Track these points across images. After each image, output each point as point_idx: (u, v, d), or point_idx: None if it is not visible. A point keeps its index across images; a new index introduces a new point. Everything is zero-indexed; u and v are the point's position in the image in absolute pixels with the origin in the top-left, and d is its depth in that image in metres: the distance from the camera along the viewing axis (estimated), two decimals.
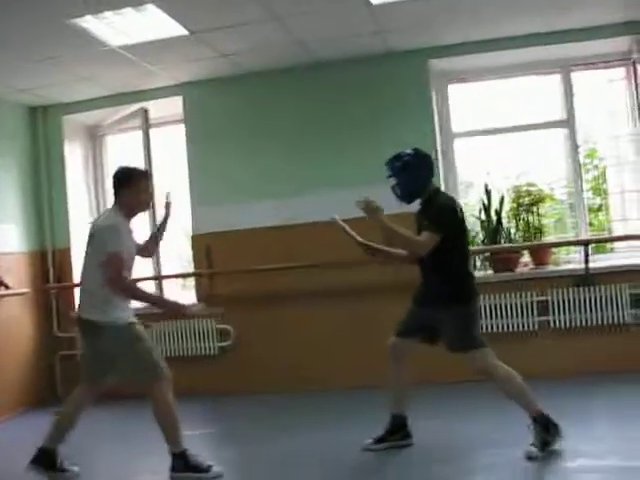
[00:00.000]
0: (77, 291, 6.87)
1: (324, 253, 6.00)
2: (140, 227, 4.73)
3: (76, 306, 4.37)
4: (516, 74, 6.55)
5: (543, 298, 5.87)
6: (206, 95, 6.56)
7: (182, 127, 6.71)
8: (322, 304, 6.18)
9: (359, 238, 4.31)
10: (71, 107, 6.89)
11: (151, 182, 4.44)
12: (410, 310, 4.29)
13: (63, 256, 6.93)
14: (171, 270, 7.26)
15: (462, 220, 4.22)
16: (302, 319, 6.25)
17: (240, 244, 6.16)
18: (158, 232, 4.57)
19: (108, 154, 7.35)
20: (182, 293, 7.54)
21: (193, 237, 6.66)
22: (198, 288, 6.67)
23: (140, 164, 6.57)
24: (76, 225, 7.00)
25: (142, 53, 5.64)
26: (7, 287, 6.29)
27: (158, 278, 6.73)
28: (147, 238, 4.58)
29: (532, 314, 5.87)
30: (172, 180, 7.41)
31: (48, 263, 6.93)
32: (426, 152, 4.34)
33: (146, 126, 6.57)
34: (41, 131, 6.97)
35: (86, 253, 4.21)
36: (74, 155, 7.11)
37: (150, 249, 4.56)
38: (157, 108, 6.67)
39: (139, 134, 6.64)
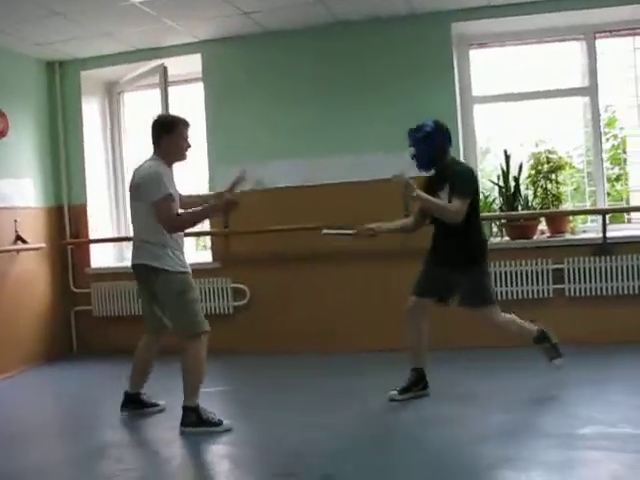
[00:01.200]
0: (120, 245, 7.06)
1: (340, 214, 6.00)
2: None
3: (130, 256, 4.44)
4: (539, 40, 6.46)
5: (559, 266, 5.87)
6: (225, 53, 6.50)
7: (200, 85, 6.66)
8: (337, 265, 6.22)
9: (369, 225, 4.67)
10: (89, 63, 6.85)
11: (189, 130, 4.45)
12: (426, 270, 4.59)
13: (79, 212, 6.95)
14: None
15: (478, 186, 4.62)
16: (317, 280, 6.28)
17: (257, 204, 6.15)
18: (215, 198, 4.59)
19: (125, 111, 7.33)
20: (197, 252, 7.59)
21: None
22: (214, 247, 6.69)
23: None
24: (92, 181, 7.02)
25: (163, 9, 5.58)
26: (24, 241, 6.33)
27: None
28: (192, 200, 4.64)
29: (548, 282, 5.87)
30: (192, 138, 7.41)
31: (64, 218, 6.96)
32: (444, 123, 4.58)
33: (165, 83, 6.52)
34: (58, 86, 6.93)
35: (132, 207, 4.33)
36: (91, 111, 7.09)
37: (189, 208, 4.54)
38: (176, 65, 6.61)
39: (157, 92, 6.59)
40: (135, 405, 4.61)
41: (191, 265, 6.45)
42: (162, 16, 5.75)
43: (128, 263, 6.94)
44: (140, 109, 7.22)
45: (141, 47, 6.58)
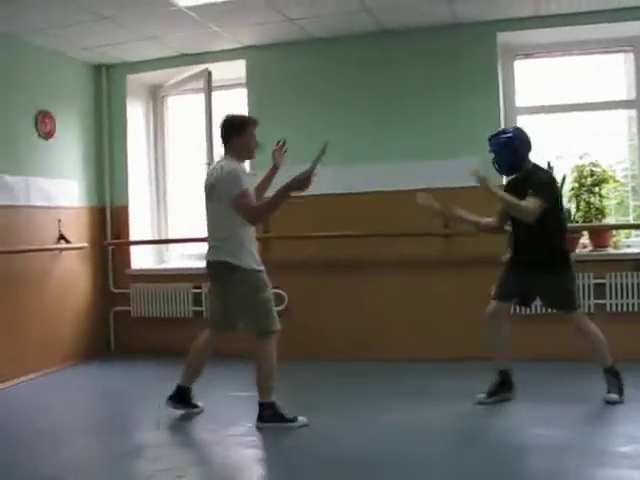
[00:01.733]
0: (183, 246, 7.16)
1: (379, 223, 6.00)
2: None
3: (205, 254, 4.51)
4: (585, 51, 6.40)
5: (601, 281, 5.79)
6: (269, 59, 6.55)
7: (244, 91, 6.71)
8: (376, 274, 6.21)
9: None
10: (135, 66, 6.95)
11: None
12: (508, 275, 4.72)
13: (121, 213, 7.05)
14: None
15: (560, 192, 4.87)
16: (356, 288, 6.28)
17: (298, 210, 6.17)
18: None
19: (169, 115, 7.41)
20: None
21: None
22: None
23: (201, 126, 6.64)
24: (135, 183, 7.11)
25: (208, 14, 5.64)
26: (67, 241, 6.43)
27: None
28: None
29: (589, 296, 5.79)
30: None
31: (107, 219, 7.06)
32: (525, 130, 4.72)
33: (209, 88, 6.58)
34: (104, 89, 7.04)
35: (208, 207, 4.41)
36: (136, 115, 7.19)
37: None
38: (220, 71, 6.67)
39: (201, 96, 6.65)
40: (181, 401, 4.64)
41: None
42: (207, 21, 5.81)
43: (168, 265, 7.21)
44: (184, 113, 7.30)
45: (186, 52, 6.66)
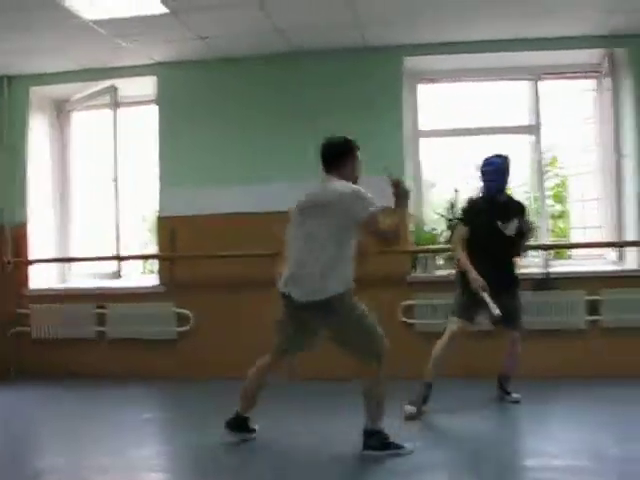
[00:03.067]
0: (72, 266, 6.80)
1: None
2: None
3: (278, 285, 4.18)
4: (487, 78, 6.64)
5: None
6: (180, 77, 6.48)
7: (153, 107, 6.62)
8: None
9: None
10: (38, 79, 6.73)
11: None
12: (474, 296, 4.82)
13: (20, 231, 6.77)
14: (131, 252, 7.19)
15: None
16: (262, 306, 6.20)
17: (206, 229, 6.13)
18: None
19: (74, 131, 7.20)
20: (142, 276, 7.47)
21: (159, 219, 6.58)
22: (160, 271, 6.60)
23: (107, 143, 6.51)
24: (37, 200, 6.87)
25: (116, 29, 5.54)
26: None
27: (119, 258, 6.63)
28: None
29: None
30: (137, 160, 7.36)
31: (5, 238, 6.76)
32: None
33: (115, 104, 6.47)
34: (6, 101, 6.78)
35: (310, 228, 4.02)
36: (38, 129, 6.95)
37: None
38: (128, 87, 6.57)
39: (108, 112, 6.53)
40: (242, 429, 4.37)
41: (135, 289, 6.53)
42: (114, 36, 5.70)
43: (70, 284, 6.97)
44: (90, 129, 7.12)
45: (93, 66, 6.49)
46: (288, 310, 4.10)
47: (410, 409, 4.72)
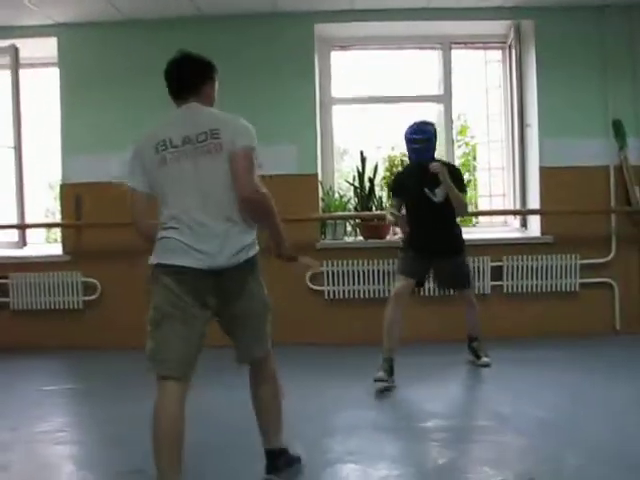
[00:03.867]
0: None
1: None
2: None
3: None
4: (399, 46, 6.68)
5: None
6: (82, 39, 6.24)
7: (56, 70, 6.37)
8: None
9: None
10: None
11: None
12: (413, 259, 4.90)
13: None
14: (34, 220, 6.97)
15: None
16: None
17: (111, 196, 5.96)
18: None
19: None
20: (47, 246, 7.27)
21: (62, 186, 6.39)
22: (64, 240, 6.43)
23: (6, 106, 6.25)
24: None
25: None
26: None
27: (22, 227, 6.42)
28: None
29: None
30: (42, 126, 7.11)
31: None
32: None
33: (16, 65, 6.20)
34: None
35: (204, 162, 2.89)
36: None
37: None
38: (30, 48, 6.29)
39: (7, 73, 6.25)
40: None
41: (40, 258, 6.35)
42: None
43: None
44: None
45: None
46: None
47: (379, 385, 4.58)
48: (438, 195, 4.85)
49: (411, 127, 4.90)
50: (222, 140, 2.90)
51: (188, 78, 3.13)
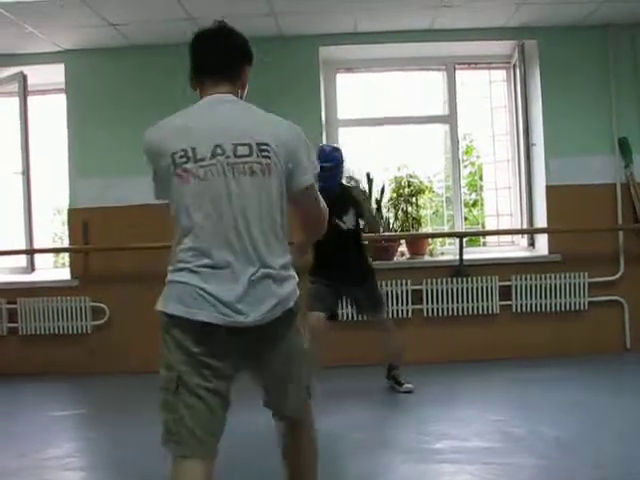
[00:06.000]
0: None
1: None
2: None
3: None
4: (403, 68, 6.72)
5: (418, 287, 6.06)
6: (89, 65, 6.29)
7: (63, 96, 6.42)
8: None
9: None
10: None
11: None
12: (325, 289, 4.81)
13: None
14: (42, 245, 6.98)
15: None
16: None
17: (119, 220, 6.00)
18: None
19: None
20: (55, 270, 7.27)
21: (70, 211, 6.41)
22: (72, 265, 6.44)
23: (15, 132, 6.29)
24: None
25: (22, 13, 5.31)
26: None
27: (30, 252, 6.43)
28: None
29: (407, 302, 6.04)
30: (48, 151, 7.14)
31: None
32: None
33: (24, 92, 6.25)
34: None
35: (251, 186, 2.24)
36: None
37: None
38: (38, 74, 6.35)
39: (16, 100, 6.30)
40: None
41: (48, 283, 6.35)
42: (21, 20, 5.49)
43: None
44: None
45: None
46: None
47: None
48: (347, 222, 4.82)
49: (318, 154, 4.79)
50: (272, 161, 2.25)
51: (230, 54, 2.43)
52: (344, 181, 5.22)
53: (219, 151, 2.22)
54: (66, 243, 6.80)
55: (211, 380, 2.22)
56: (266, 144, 2.26)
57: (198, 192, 2.22)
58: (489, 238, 6.77)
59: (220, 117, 2.30)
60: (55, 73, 6.36)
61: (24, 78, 6.26)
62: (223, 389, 2.25)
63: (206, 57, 2.40)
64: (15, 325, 6.25)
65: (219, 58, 2.40)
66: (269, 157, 2.25)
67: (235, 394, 2.31)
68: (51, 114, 6.80)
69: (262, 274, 2.21)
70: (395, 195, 6.49)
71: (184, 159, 2.22)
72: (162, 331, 2.31)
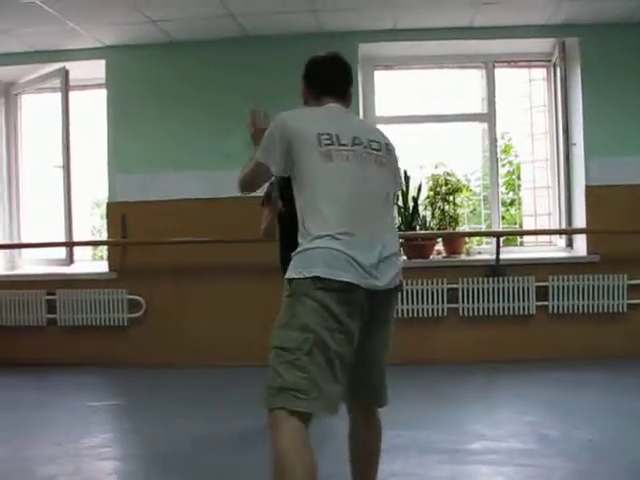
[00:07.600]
0: None
1: (239, 229, 5.96)
2: None
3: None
4: (442, 65, 6.68)
5: (454, 286, 6.02)
6: (130, 61, 6.36)
7: (104, 91, 6.50)
8: (233, 279, 6.15)
9: None
10: None
11: None
12: None
13: None
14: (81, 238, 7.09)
15: None
16: (213, 293, 6.20)
17: (157, 215, 6.06)
18: None
19: (23, 114, 7.04)
20: (93, 263, 7.38)
21: (108, 205, 6.50)
22: (110, 258, 6.52)
23: (57, 127, 6.39)
24: None
25: (66, 10, 5.40)
26: None
27: (69, 244, 6.53)
28: None
29: (442, 301, 6.01)
30: (88, 145, 7.25)
31: None
32: None
33: (66, 88, 6.34)
34: None
35: (376, 181, 2.61)
36: None
37: None
38: (79, 70, 6.44)
39: (58, 96, 6.40)
40: None
41: (86, 275, 6.45)
42: (64, 17, 5.57)
43: (19, 271, 6.86)
44: (39, 113, 6.97)
45: (41, 48, 6.34)
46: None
47: None
48: None
49: None
50: (391, 161, 2.71)
51: (343, 77, 2.90)
52: None
53: (357, 142, 2.60)
54: (104, 236, 6.90)
55: (342, 346, 2.39)
56: (388, 146, 2.71)
57: (340, 170, 2.53)
58: (526, 238, 6.71)
59: (349, 118, 2.81)
60: (96, 69, 6.45)
61: (66, 74, 6.36)
62: (348, 356, 2.43)
63: (326, 78, 2.87)
64: (54, 316, 6.36)
65: (336, 81, 2.87)
66: (390, 157, 2.70)
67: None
68: (91, 109, 6.88)
69: (387, 249, 2.50)
70: (432, 193, 6.46)
71: (329, 141, 2.56)
72: (297, 295, 2.43)
